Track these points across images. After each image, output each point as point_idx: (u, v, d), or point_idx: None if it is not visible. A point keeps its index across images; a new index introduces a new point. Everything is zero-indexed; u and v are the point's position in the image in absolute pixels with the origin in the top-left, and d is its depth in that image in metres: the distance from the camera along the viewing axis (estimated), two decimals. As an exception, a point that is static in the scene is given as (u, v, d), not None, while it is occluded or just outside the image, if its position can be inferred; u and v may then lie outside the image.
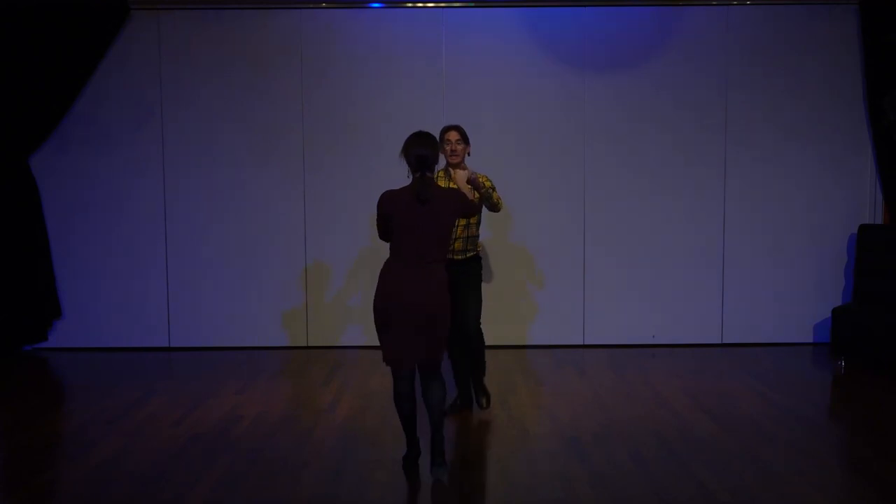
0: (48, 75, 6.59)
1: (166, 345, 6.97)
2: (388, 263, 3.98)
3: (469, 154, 5.06)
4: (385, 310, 3.91)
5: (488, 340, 6.93)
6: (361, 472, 4.09)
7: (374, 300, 3.96)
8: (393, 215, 3.93)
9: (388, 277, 3.93)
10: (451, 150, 4.93)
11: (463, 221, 4.85)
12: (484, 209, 5.15)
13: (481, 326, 5.12)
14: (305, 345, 6.99)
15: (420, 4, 6.80)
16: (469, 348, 5.07)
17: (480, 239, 5.21)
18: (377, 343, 6.98)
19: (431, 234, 3.91)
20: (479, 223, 5.05)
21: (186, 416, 5.03)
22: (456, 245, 4.90)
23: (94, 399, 5.47)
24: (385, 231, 4.06)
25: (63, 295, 6.94)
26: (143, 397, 5.48)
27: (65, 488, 3.99)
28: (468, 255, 4.97)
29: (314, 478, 4.02)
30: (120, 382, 5.89)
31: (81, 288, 6.93)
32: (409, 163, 3.99)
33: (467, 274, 4.96)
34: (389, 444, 4.50)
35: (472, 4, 6.81)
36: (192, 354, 6.82)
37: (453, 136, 4.95)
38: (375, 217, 4.12)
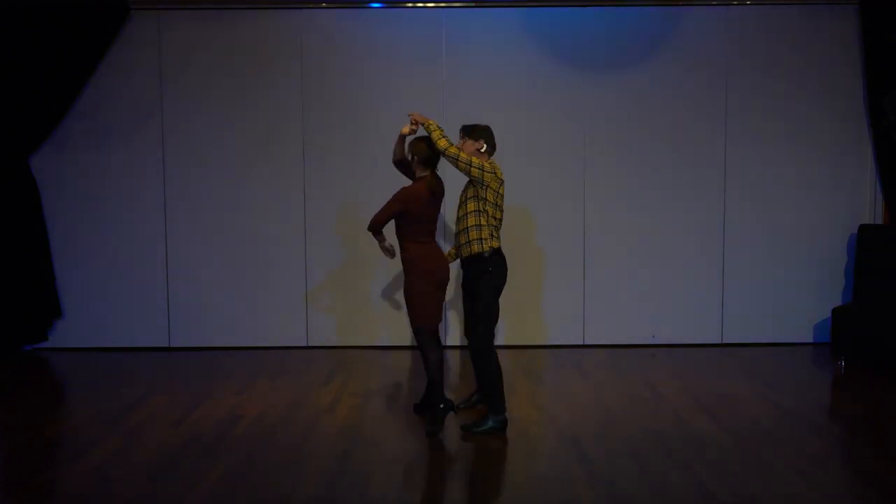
0: (48, 75, 6.59)
1: (166, 345, 6.97)
2: (421, 246, 4.69)
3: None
4: (434, 281, 4.68)
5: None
6: (361, 472, 4.09)
7: (426, 275, 4.66)
8: (412, 209, 4.63)
9: (430, 256, 4.70)
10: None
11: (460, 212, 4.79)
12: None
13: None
14: (305, 345, 6.99)
15: (420, 4, 6.80)
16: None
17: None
18: (377, 343, 7.04)
19: (437, 219, 4.81)
20: (465, 216, 4.76)
21: (186, 416, 5.03)
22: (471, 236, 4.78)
23: (94, 399, 5.47)
24: (387, 221, 4.70)
25: (63, 295, 6.94)
26: (143, 397, 5.48)
27: (65, 488, 3.99)
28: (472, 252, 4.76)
29: (314, 478, 4.02)
30: (120, 382, 5.89)
31: (81, 288, 6.93)
32: (420, 161, 4.74)
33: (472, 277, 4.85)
34: (389, 444, 4.50)
35: (472, 4, 6.81)
36: (192, 354, 6.82)
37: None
38: (385, 210, 4.69)
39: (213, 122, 6.84)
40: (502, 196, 4.79)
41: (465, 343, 5.13)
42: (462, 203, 4.79)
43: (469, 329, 4.87)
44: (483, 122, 6.82)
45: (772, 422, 4.86)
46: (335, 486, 3.92)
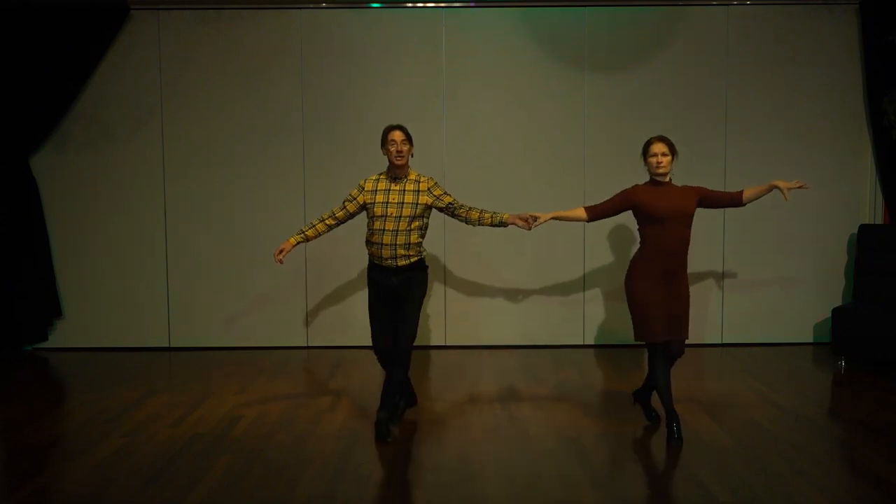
0: (48, 75, 6.59)
1: (166, 345, 6.98)
2: None
3: (413, 155, 4.76)
4: None
5: (489, 339, 6.97)
6: (361, 472, 4.09)
7: None
8: None
9: None
10: (397, 152, 4.64)
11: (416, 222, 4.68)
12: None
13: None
14: (305, 345, 6.99)
15: (420, 4, 6.80)
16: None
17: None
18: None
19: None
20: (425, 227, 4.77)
21: (186, 416, 5.03)
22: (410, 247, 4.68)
23: (94, 399, 5.47)
24: None
25: (63, 295, 6.94)
26: (143, 397, 5.48)
27: (65, 488, 3.99)
28: (412, 260, 4.70)
29: (314, 478, 4.01)
30: (120, 382, 5.89)
31: (81, 288, 6.93)
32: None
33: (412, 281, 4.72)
34: (389, 445, 4.50)
35: (472, 4, 6.81)
36: (192, 354, 6.82)
37: (398, 135, 4.65)
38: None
39: (213, 122, 6.84)
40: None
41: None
42: (420, 215, 4.70)
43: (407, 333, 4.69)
44: (483, 121, 6.87)
45: (772, 422, 4.86)
46: (335, 486, 3.92)
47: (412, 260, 4.68)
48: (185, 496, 3.78)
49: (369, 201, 4.71)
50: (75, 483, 4.01)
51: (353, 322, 6.96)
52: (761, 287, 6.94)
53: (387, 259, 4.65)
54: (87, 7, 6.57)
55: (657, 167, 4.55)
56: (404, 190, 4.68)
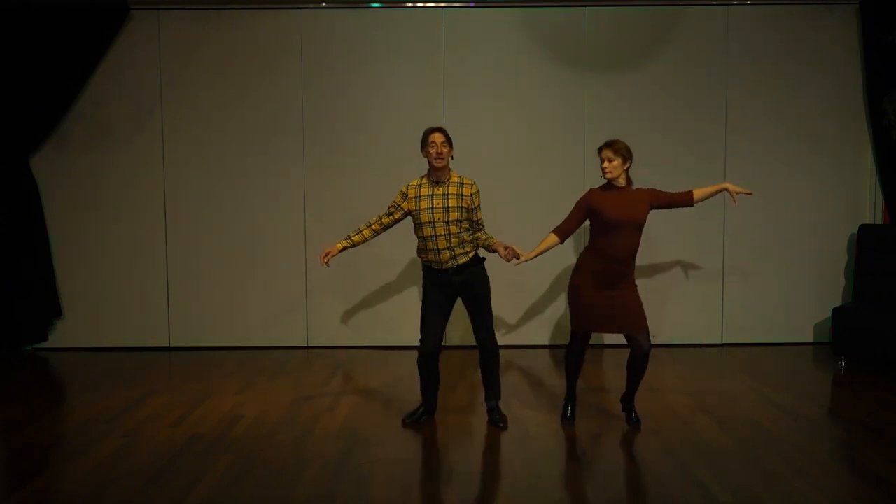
0: (48, 75, 6.59)
1: (166, 345, 6.98)
2: None
3: (452, 157, 4.69)
4: None
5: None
6: (361, 472, 4.09)
7: None
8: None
9: None
10: (437, 154, 4.58)
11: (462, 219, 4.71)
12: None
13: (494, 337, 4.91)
14: (305, 345, 6.99)
15: (420, 4, 6.80)
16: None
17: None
18: (377, 343, 7.03)
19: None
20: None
21: (186, 416, 5.03)
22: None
23: (94, 399, 5.47)
24: None
25: (63, 295, 6.94)
26: (143, 397, 5.48)
27: (65, 488, 3.99)
28: (470, 256, 4.76)
29: (314, 478, 4.02)
30: (120, 382, 5.89)
31: (81, 288, 6.94)
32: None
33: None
34: (389, 444, 4.50)
35: (473, 4, 6.81)
36: (192, 354, 6.82)
37: (438, 137, 4.59)
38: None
39: (213, 122, 6.84)
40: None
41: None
42: (466, 217, 4.71)
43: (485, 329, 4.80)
44: (483, 121, 6.87)
45: (772, 422, 4.86)
46: (335, 486, 3.92)
47: (470, 256, 4.71)
48: (185, 496, 3.78)
49: (413, 208, 4.68)
50: (75, 483, 4.01)
51: (353, 322, 6.97)
52: (761, 287, 6.94)
53: (447, 262, 4.66)
54: (87, 7, 6.58)
55: (603, 173, 4.64)
56: (448, 193, 4.64)
